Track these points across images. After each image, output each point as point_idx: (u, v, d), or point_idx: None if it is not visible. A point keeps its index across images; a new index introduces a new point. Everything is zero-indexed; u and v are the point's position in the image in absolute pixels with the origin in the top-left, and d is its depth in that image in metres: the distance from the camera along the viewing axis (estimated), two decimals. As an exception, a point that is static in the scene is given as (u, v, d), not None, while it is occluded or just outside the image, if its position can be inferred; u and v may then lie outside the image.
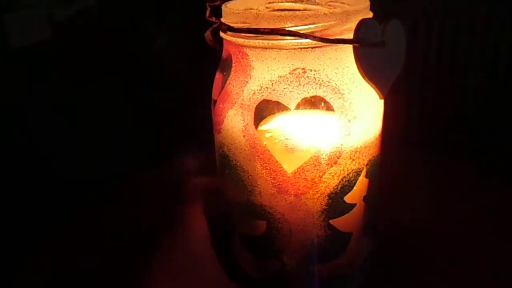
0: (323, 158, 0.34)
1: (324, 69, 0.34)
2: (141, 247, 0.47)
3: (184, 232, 0.48)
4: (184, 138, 0.64)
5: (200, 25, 0.38)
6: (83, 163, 0.68)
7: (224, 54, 0.38)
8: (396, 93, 0.37)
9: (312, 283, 0.39)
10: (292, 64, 0.33)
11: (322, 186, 0.35)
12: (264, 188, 0.36)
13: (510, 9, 0.60)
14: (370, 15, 0.35)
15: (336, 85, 0.34)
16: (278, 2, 0.40)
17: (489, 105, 0.64)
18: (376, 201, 0.39)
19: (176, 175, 0.57)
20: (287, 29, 0.32)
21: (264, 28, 0.32)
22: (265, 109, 0.36)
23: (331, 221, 0.36)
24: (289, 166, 0.35)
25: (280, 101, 0.34)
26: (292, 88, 0.34)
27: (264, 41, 0.33)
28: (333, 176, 0.35)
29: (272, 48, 0.33)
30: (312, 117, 0.35)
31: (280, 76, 0.34)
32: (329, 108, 0.34)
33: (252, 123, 0.35)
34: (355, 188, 0.36)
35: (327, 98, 0.34)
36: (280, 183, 0.35)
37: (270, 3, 0.40)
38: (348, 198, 0.36)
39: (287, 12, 0.36)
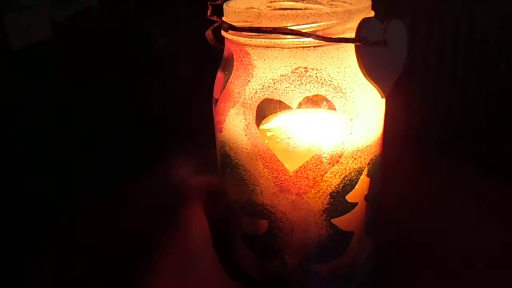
0: (325, 157, 0.34)
1: (326, 68, 0.34)
2: (141, 247, 0.46)
3: (185, 232, 0.48)
4: (185, 137, 0.64)
5: (201, 24, 0.38)
6: (83, 163, 0.67)
7: (225, 53, 0.38)
8: (397, 92, 0.37)
9: (314, 282, 0.39)
10: (294, 63, 0.33)
11: (324, 185, 0.35)
12: (266, 187, 0.36)
13: (510, 9, 0.60)
14: (371, 14, 0.35)
15: (338, 84, 0.34)
16: (279, 1, 0.40)
17: (489, 105, 0.64)
18: (378, 200, 0.39)
19: (177, 175, 0.57)
20: (289, 28, 0.32)
21: (266, 27, 0.32)
22: (267, 108, 0.36)
23: (332, 220, 0.36)
24: (290, 165, 0.35)
25: (282, 100, 0.34)
26: (294, 87, 0.34)
27: (266, 40, 0.33)
28: (334, 175, 0.35)
29: (274, 47, 0.33)
30: (314, 116, 0.35)
31: (282, 75, 0.34)
32: (331, 107, 0.34)
33: (254, 122, 0.35)
34: (356, 187, 0.36)
35: (329, 97, 0.34)
36: (282, 182, 0.35)
37: (271, 2, 0.40)
38: (350, 197, 0.36)
39: (289, 11, 0.36)
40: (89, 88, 0.70)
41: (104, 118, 0.72)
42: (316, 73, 0.34)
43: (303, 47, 0.33)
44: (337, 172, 0.35)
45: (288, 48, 0.33)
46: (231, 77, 0.36)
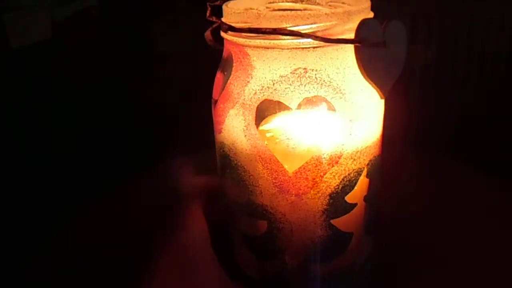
0: (324, 158, 0.34)
1: (325, 69, 0.34)
2: (141, 248, 0.47)
3: (184, 232, 0.48)
4: (184, 138, 0.64)
5: (201, 25, 0.38)
6: (83, 163, 0.67)
7: (224, 54, 0.38)
8: (397, 93, 0.37)
9: (313, 283, 0.39)
10: (294, 64, 0.33)
11: (323, 186, 0.35)
12: (265, 188, 0.36)
13: (510, 9, 0.60)
14: (371, 15, 0.35)
15: (338, 85, 0.34)
16: (278, 2, 0.40)
17: (489, 105, 0.64)
18: (377, 201, 0.39)
19: (176, 175, 0.57)
20: (288, 29, 0.32)
21: (266, 28, 0.33)
22: (266, 109, 0.36)
23: (332, 221, 0.36)
24: (290, 166, 0.35)
25: (281, 101, 0.34)
26: (294, 88, 0.34)
27: (265, 41, 0.33)
28: (334, 176, 0.35)
29: (273, 48, 0.33)
30: (313, 117, 0.35)
31: (282, 76, 0.34)
32: (330, 108, 0.34)
33: (253, 123, 0.35)
34: (356, 188, 0.36)
35: (328, 98, 0.34)
36: (281, 183, 0.35)
37: (270, 3, 0.40)
38: (349, 198, 0.36)
39: (288, 12, 0.36)
40: (89, 88, 0.70)
41: (104, 118, 0.71)
42: (315, 74, 0.34)
43: (303, 48, 0.33)
44: (336, 173, 0.35)
45: (288, 49, 0.33)
46: (230, 78, 0.36)
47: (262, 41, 0.33)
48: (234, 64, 0.36)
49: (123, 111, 0.72)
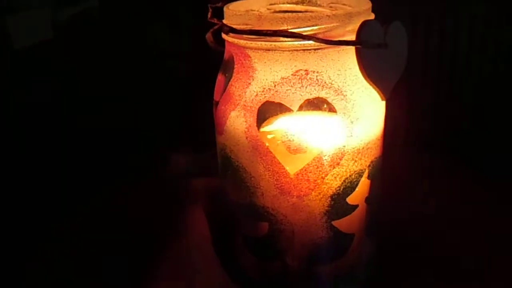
0: (325, 159, 0.34)
1: (326, 71, 0.34)
2: (142, 248, 0.47)
3: (186, 233, 0.48)
4: (185, 139, 0.64)
5: (202, 26, 0.38)
6: (83, 163, 0.67)
7: (226, 56, 0.38)
8: (398, 94, 0.37)
9: (314, 284, 0.39)
10: (295, 66, 0.33)
11: (324, 187, 0.35)
12: (267, 190, 0.36)
13: (510, 9, 0.60)
14: (372, 16, 0.35)
15: (339, 86, 0.34)
16: (279, 3, 0.40)
17: (489, 105, 0.64)
18: (378, 202, 0.39)
19: (178, 176, 0.57)
20: (289, 30, 0.32)
21: (267, 30, 0.32)
22: (267, 111, 0.36)
23: (333, 222, 0.36)
24: (291, 168, 0.35)
25: (282, 102, 0.34)
26: (295, 90, 0.34)
27: (266, 43, 0.33)
28: (335, 177, 0.35)
29: (274, 50, 0.33)
30: (314, 119, 0.35)
31: (283, 78, 0.34)
32: (331, 109, 0.34)
33: (255, 124, 0.35)
34: (357, 189, 0.36)
35: (329, 100, 0.34)
36: (283, 184, 0.35)
37: (271, 4, 0.40)
38: (350, 199, 0.36)
39: (289, 13, 0.36)
40: (89, 88, 0.70)
41: (104, 118, 0.72)
42: (316, 76, 0.34)
43: (304, 49, 0.33)
44: (337, 175, 0.35)
45: (289, 50, 0.33)
46: (231, 79, 0.36)
47: (263, 43, 0.33)
48: (235, 66, 0.36)
49: (123, 111, 0.72)
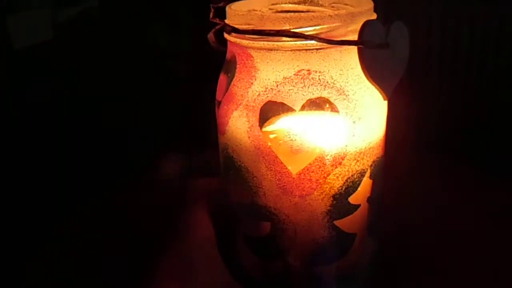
0: (327, 159, 0.35)
1: (329, 71, 0.34)
2: (142, 248, 0.46)
3: (187, 233, 0.48)
4: (187, 139, 0.64)
5: (202, 26, 0.38)
6: (83, 163, 0.67)
7: (228, 56, 0.38)
8: (400, 94, 0.37)
9: (316, 283, 0.39)
10: (297, 66, 0.33)
11: (326, 187, 0.35)
12: (269, 189, 0.36)
13: (510, 9, 0.60)
14: (374, 16, 0.35)
15: (341, 86, 0.34)
16: (281, 3, 0.40)
17: (489, 105, 0.65)
18: (380, 202, 0.39)
19: (179, 176, 0.57)
20: (292, 30, 0.32)
21: (269, 30, 0.33)
22: (270, 111, 0.36)
23: (335, 222, 0.37)
24: (293, 167, 0.35)
25: (285, 102, 0.34)
26: (297, 90, 0.34)
27: (268, 43, 0.33)
28: (337, 177, 0.35)
29: (276, 50, 0.33)
30: (316, 118, 0.35)
31: (285, 78, 0.34)
32: (333, 109, 0.34)
33: (257, 124, 0.35)
34: (359, 189, 0.36)
35: (331, 99, 0.34)
36: (285, 184, 0.35)
37: (273, 4, 0.40)
38: (353, 199, 0.36)
39: (292, 13, 0.36)
40: (89, 88, 0.70)
41: (104, 118, 0.72)
42: (319, 76, 0.34)
43: (306, 49, 0.33)
44: (340, 174, 0.35)
45: (291, 50, 0.33)
46: (234, 79, 0.36)
47: (265, 42, 0.33)
48: (237, 66, 0.36)
49: (123, 111, 0.72)
